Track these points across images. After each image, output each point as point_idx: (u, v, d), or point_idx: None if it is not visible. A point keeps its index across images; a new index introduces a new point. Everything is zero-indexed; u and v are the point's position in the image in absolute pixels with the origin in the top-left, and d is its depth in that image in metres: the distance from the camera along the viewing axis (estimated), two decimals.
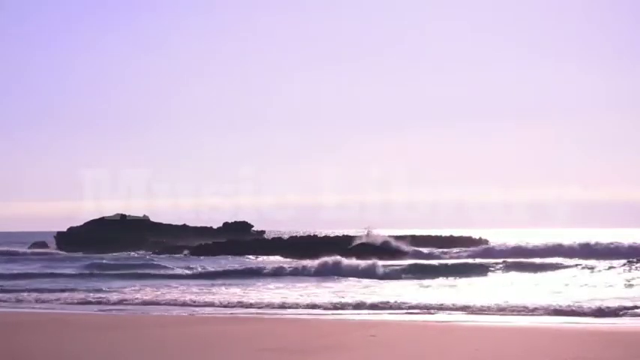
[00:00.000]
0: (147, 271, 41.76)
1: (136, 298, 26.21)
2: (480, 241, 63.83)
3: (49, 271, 41.85)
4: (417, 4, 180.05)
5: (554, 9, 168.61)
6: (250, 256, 55.90)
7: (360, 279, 35.59)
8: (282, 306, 23.60)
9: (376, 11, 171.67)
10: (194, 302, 25.09)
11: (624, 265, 39.50)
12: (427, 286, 31.02)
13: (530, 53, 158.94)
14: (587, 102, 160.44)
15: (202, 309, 23.40)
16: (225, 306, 24.14)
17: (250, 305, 23.92)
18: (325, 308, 22.93)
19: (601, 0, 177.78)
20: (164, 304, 24.82)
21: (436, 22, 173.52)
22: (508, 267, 40.75)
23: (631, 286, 30.56)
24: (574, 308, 21.37)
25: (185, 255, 59.10)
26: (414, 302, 23.46)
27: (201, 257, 54.84)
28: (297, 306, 23.66)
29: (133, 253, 63.31)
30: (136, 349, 14.04)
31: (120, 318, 20.99)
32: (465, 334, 16.43)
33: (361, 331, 16.34)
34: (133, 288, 30.20)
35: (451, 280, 34.51)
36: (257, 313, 22.14)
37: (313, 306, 23.46)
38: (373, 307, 22.82)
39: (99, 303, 25.41)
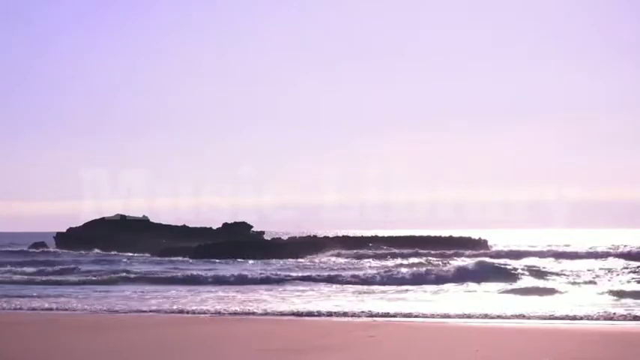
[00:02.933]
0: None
1: None
2: (479, 242, 63.68)
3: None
4: (418, 5, 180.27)
5: (555, 9, 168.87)
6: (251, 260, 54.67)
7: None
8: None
9: (377, 12, 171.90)
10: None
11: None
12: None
13: (530, 53, 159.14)
14: (587, 102, 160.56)
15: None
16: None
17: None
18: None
19: (601, 0, 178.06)
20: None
21: (436, 22, 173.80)
22: None
23: None
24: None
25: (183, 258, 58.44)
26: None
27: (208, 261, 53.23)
28: None
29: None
30: (135, 349, 14.02)
31: (119, 318, 20.93)
32: (465, 334, 16.40)
33: (361, 332, 16.33)
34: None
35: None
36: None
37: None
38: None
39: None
